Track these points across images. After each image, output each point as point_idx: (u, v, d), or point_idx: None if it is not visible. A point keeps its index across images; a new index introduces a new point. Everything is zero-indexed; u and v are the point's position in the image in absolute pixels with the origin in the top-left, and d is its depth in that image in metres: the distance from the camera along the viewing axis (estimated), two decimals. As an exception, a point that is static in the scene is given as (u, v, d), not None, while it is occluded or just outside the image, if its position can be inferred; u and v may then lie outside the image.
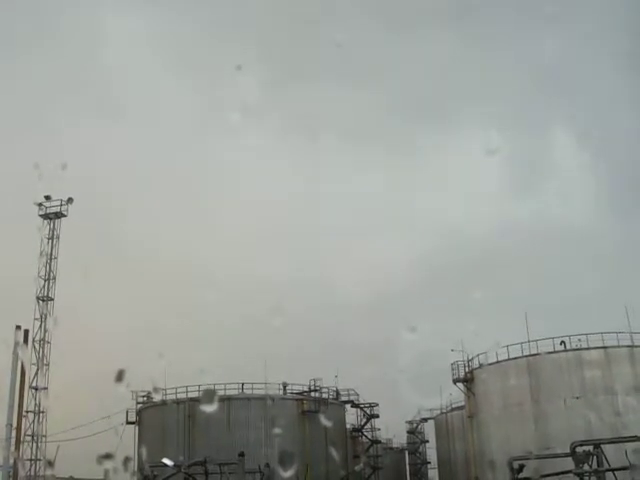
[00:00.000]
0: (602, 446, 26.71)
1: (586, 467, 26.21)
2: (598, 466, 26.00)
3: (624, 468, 25.22)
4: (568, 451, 26.80)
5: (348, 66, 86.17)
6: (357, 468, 47.69)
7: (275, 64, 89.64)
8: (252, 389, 44.11)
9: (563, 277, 74.75)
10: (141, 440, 43.52)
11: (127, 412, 45.02)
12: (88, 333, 51.28)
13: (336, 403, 48.09)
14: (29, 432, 41.53)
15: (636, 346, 38.01)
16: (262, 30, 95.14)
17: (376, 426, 53.92)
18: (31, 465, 41.02)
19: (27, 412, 41.21)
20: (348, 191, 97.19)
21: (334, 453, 43.00)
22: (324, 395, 46.92)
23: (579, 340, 38.62)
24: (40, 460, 41.21)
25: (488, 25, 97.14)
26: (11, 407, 37.52)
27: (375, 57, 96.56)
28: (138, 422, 45.51)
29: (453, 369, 43.54)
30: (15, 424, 38.35)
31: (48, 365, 42.80)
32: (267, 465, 32.07)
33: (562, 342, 38.77)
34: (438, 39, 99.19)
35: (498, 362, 40.51)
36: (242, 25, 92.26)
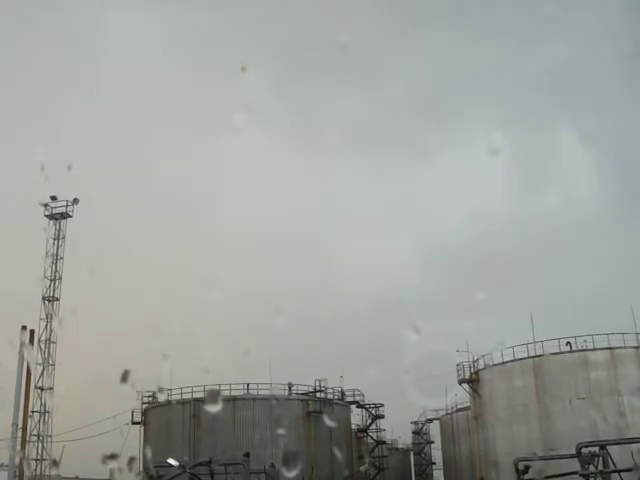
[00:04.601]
0: (608, 447, 26.64)
1: (592, 468, 26.12)
2: (604, 467, 25.91)
3: (630, 469, 25.14)
4: (574, 452, 26.71)
5: (351, 66, 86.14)
6: (362, 468, 47.64)
7: (278, 65, 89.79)
8: (257, 389, 44.12)
9: (569, 278, 74.57)
10: (146, 440, 43.58)
11: (132, 412, 45.15)
12: (93, 333, 51.39)
13: (341, 404, 48.07)
14: (35, 432, 41.64)
15: (642, 347, 37.96)
16: (265, 30, 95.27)
17: (381, 427, 53.93)
18: (37, 465, 41.13)
19: (33, 412, 41.31)
20: (351, 191, 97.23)
21: (338, 454, 43.00)
22: (329, 396, 46.90)
23: (585, 341, 38.56)
24: (45, 460, 41.31)
25: (492, 26, 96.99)
26: (17, 407, 37.58)
27: (378, 57, 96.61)
28: (143, 422, 45.58)
29: (458, 370, 43.52)
30: (21, 424, 38.43)
31: (54, 365, 42.91)
32: (272, 465, 32.06)
33: (568, 343, 38.72)
34: (442, 40, 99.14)
35: (503, 363, 40.47)
36: (245, 25, 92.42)
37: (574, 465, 26.49)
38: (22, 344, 36.07)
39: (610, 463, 26.00)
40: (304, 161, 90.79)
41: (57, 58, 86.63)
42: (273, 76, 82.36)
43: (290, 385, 45.46)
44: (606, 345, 38.05)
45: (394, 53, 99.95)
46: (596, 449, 26.50)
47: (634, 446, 26.18)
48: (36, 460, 41.19)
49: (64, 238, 44.83)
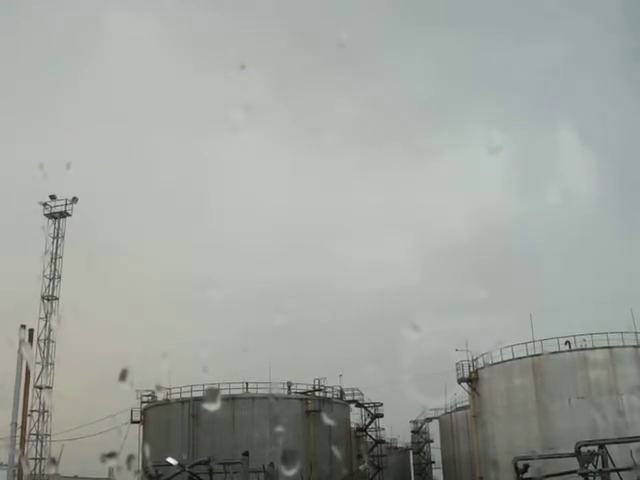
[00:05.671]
0: (607, 446, 26.65)
1: (591, 467, 26.14)
2: (603, 466, 25.93)
3: (629, 468, 25.16)
4: (573, 451, 26.72)
5: (351, 66, 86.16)
6: (361, 467, 47.65)
7: (278, 64, 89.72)
8: (256, 388, 44.14)
9: (568, 277, 74.61)
10: (145, 439, 43.54)
11: (132, 411, 45.10)
12: (92, 332, 51.36)
13: (340, 403, 48.06)
14: (34, 431, 41.63)
15: (641, 346, 37.96)
16: (265, 30, 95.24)
17: (380, 426, 53.93)
18: (36, 464, 41.13)
19: (32, 411, 41.30)
20: (351, 191, 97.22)
21: (338, 453, 42.99)
22: (328, 395, 46.90)
23: (584, 340, 38.55)
24: (44, 459, 41.31)
25: (491, 25, 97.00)
26: (16, 406, 37.55)
27: (378, 56, 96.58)
28: (143, 421, 45.56)
29: (458, 369, 43.50)
30: (20, 423, 38.40)
31: (53, 364, 42.91)
32: (271, 464, 32.06)
33: (567, 342, 38.70)
34: (442, 39, 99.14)
35: (503, 362, 40.48)
36: (245, 25, 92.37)
37: (573, 464, 26.51)
38: (21, 343, 35.99)
39: (609, 462, 26.02)
40: (304, 161, 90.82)
41: (58, 56, 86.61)
42: (273, 76, 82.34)
43: (289, 384, 45.45)
44: (605, 344, 38.05)
45: (394, 52, 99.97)
46: (595, 448, 26.53)
47: (633, 445, 26.19)
48: (35, 459, 41.22)
49: (63, 237, 44.87)
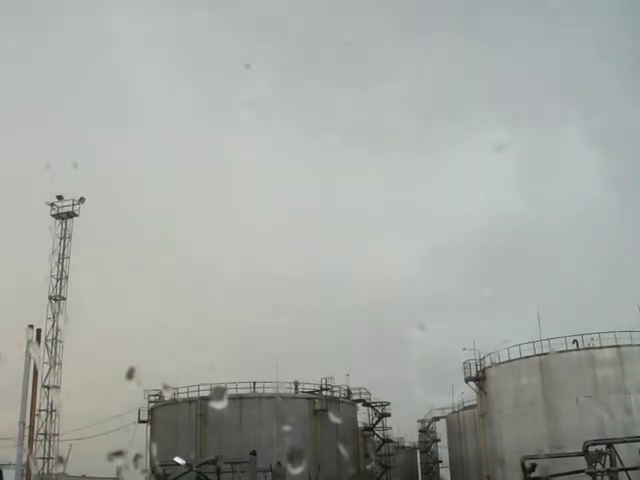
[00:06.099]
0: (615, 445, 26.58)
1: (599, 466, 26.08)
2: (611, 465, 25.87)
3: (637, 467, 25.10)
4: (580, 450, 26.67)
5: (353, 66, 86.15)
6: (368, 467, 47.64)
7: (282, 63, 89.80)
8: (264, 388, 44.12)
9: (576, 275, 74.39)
10: (153, 439, 43.61)
11: (139, 411, 45.16)
12: (100, 332, 51.51)
13: (347, 402, 48.05)
14: (42, 430, 41.75)
15: (649, 345, 37.82)
16: (267, 30, 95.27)
17: (388, 425, 53.84)
18: (44, 463, 41.25)
19: (40, 411, 41.40)
20: (358, 189, 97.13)
21: (345, 452, 42.97)
22: (335, 394, 46.88)
23: (592, 339, 38.42)
24: (52, 458, 41.42)
25: (495, 25, 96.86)
26: (24, 406, 37.64)
27: (380, 56, 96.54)
28: (150, 421, 45.63)
29: (465, 368, 43.45)
30: (28, 422, 38.51)
31: (60, 364, 43.04)
32: (278, 464, 32.08)
33: (574, 341, 38.57)
34: (444, 40, 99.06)
35: (510, 361, 40.39)
36: (247, 25, 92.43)
37: (581, 463, 26.46)
38: (29, 343, 36.10)
39: (617, 461, 25.96)
40: (307, 160, 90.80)
41: (64, 57, 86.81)
42: (278, 75, 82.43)
43: (296, 383, 45.43)
44: (613, 343, 37.91)
45: (396, 52, 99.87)
46: (603, 447, 26.47)
47: (641, 444, 26.15)
48: (43, 458, 41.35)
49: (70, 237, 44.98)
